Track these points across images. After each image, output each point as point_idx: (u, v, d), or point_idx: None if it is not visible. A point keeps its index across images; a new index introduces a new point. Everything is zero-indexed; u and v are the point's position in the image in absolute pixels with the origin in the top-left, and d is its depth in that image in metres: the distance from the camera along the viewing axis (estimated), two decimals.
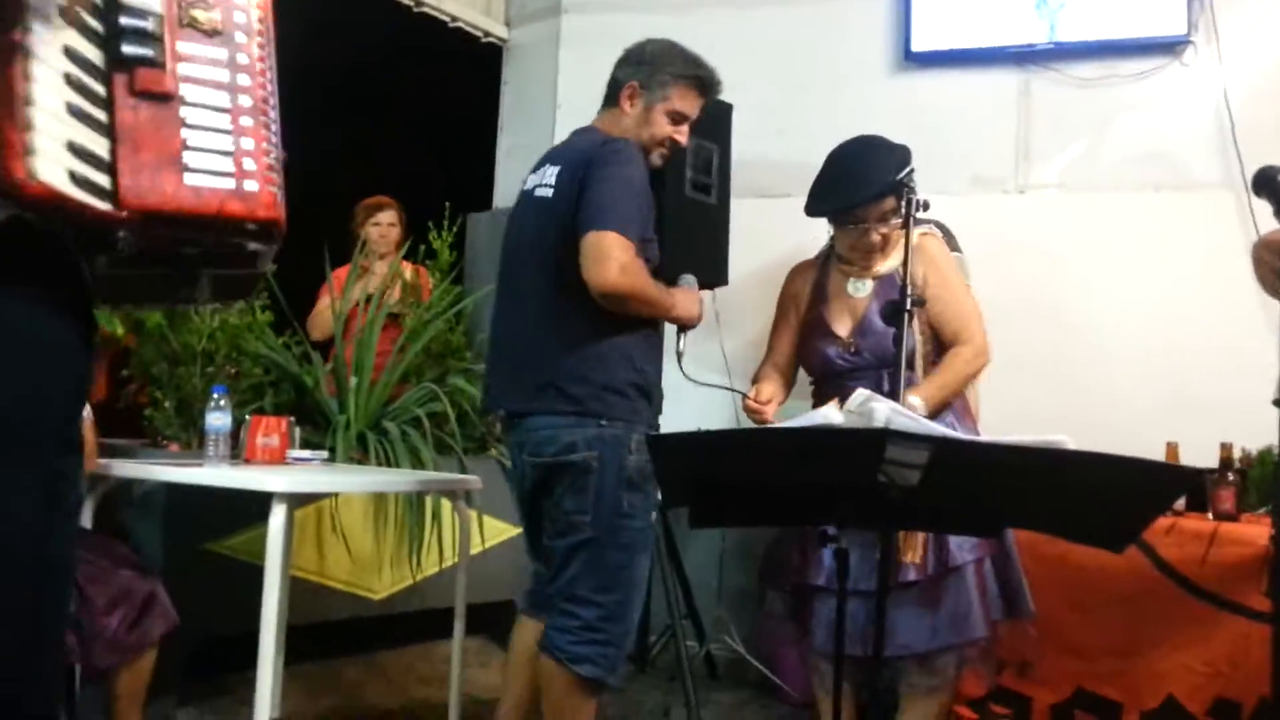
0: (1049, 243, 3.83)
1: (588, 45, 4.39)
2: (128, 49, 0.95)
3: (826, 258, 2.66)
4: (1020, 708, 2.58)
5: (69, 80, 0.91)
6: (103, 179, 0.93)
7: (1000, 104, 4.01)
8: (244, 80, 1.01)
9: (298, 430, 2.92)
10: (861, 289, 2.56)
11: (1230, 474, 2.68)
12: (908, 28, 4.07)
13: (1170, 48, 3.76)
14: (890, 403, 1.48)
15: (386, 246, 4.13)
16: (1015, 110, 4.00)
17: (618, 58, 2.46)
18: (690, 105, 2.38)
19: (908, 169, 2.44)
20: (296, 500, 2.48)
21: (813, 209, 2.60)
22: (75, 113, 0.91)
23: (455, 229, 4.06)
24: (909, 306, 2.20)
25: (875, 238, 2.50)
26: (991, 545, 2.34)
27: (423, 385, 3.54)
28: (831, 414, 1.47)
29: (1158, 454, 2.82)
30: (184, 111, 0.98)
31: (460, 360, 3.83)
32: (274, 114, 1.06)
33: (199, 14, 0.98)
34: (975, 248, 3.43)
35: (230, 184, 0.99)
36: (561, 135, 2.81)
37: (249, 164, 1.00)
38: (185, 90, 0.98)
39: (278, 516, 2.32)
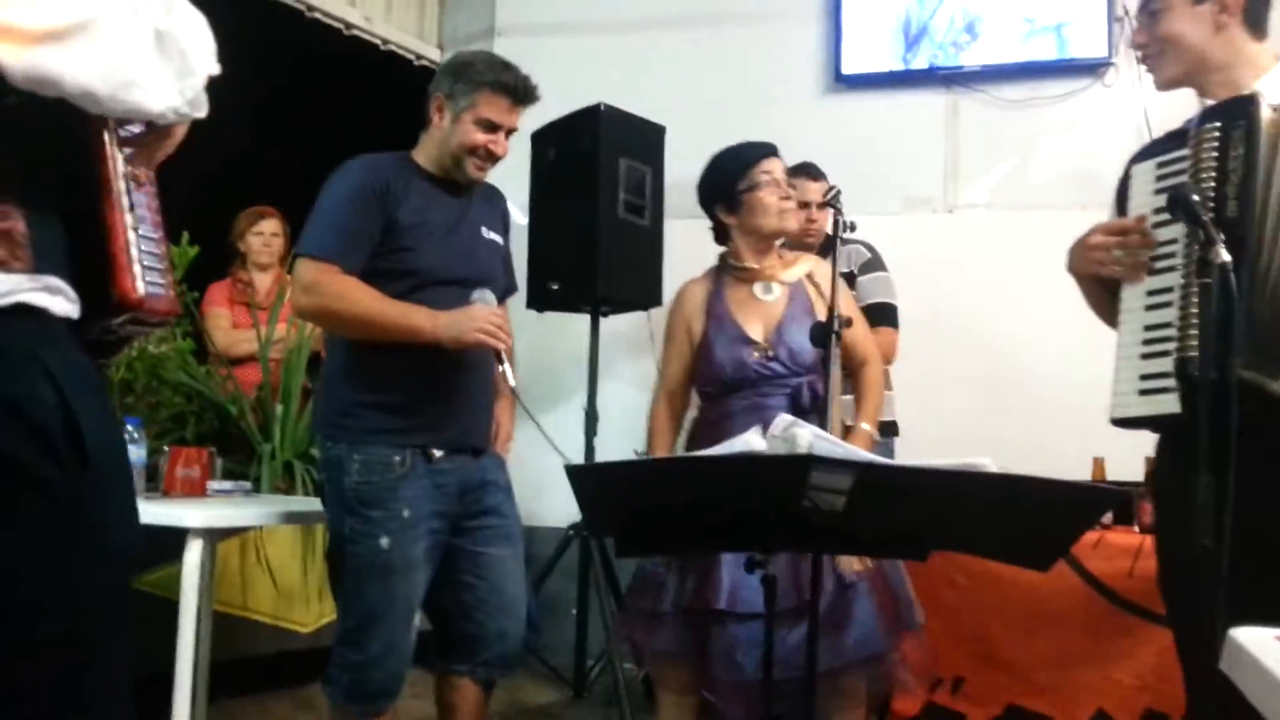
0: (978, 261, 3.89)
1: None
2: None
3: (718, 272, 2.57)
4: None
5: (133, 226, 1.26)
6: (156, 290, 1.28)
7: (929, 125, 4.08)
8: (156, 214, 1.32)
9: (220, 461, 2.85)
10: (771, 293, 2.49)
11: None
12: (838, 50, 4.12)
13: (1093, 69, 3.86)
14: (812, 428, 1.46)
15: (270, 257, 4.01)
16: (944, 131, 4.06)
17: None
18: (499, 112, 2.31)
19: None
20: (216, 535, 2.40)
21: (709, 189, 2.56)
22: (138, 247, 1.26)
23: None
24: (837, 328, 2.19)
25: (789, 190, 2.47)
26: (879, 561, 2.33)
27: None
28: (754, 440, 1.45)
29: (1086, 469, 2.85)
30: (145, 245, 1.28)
31: None
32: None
33: (138, 172, 1.30)
34: (905, 267, 3.46)
35: (169, 290, 1.31)
36: None
37: (166, 274, 1.33)
38: (143, 226, 1.29)
39: (194, 552, 2.25)
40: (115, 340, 1.34)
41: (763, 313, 2.46)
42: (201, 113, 1.25)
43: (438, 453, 2.29)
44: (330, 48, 4.36)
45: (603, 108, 3.61)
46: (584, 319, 3.85)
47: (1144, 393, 1.66)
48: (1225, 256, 1.46)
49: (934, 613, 2.64)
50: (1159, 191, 1.71)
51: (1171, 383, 1.61)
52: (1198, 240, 1.54)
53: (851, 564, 2.27)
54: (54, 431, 1.13)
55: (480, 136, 2.31)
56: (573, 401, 3.94)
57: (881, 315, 3.24)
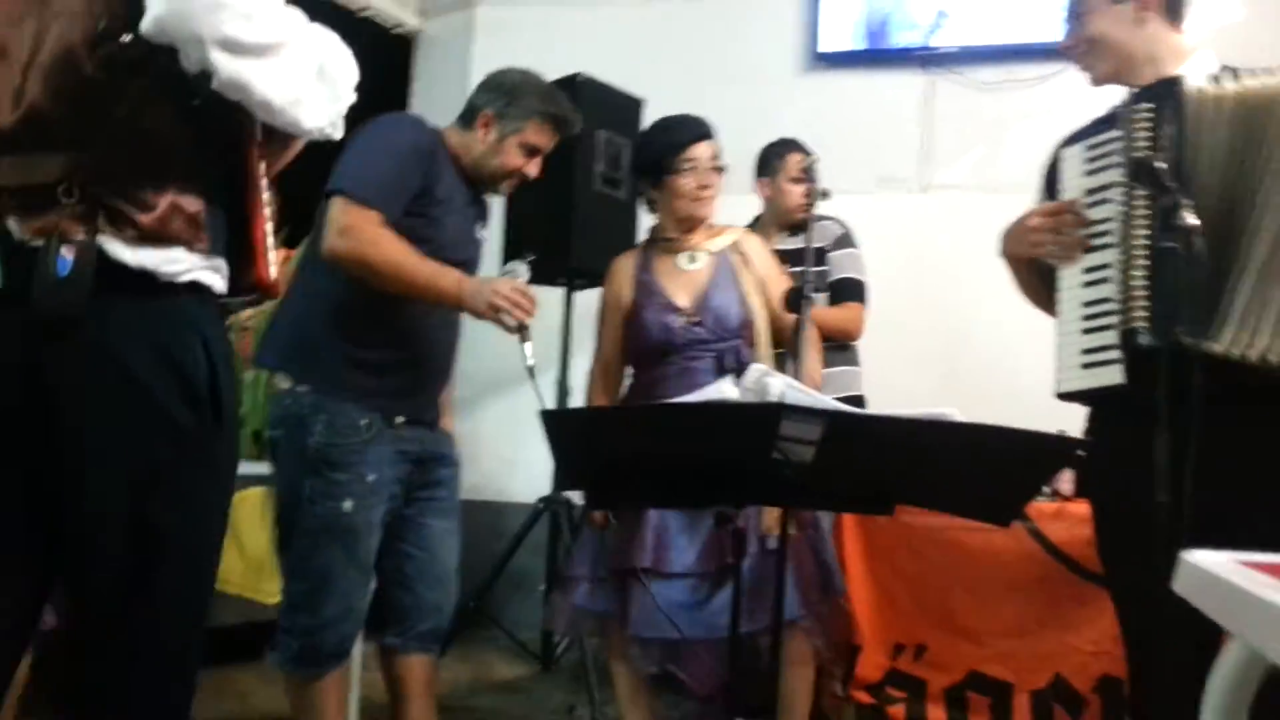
0: (950, 242, 3.92)
1: (502, 38, 4.37)
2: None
3: (647, 245, 2.62)
4: (916, 690, 2.63)
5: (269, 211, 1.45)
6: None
7: (905, 105, 4.11)
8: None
9: None
10: (695, 262, 2.52)
11: None
12: (815, 28, 4.14)
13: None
14: (785, 377, 1.49)
15: None
16: (919, 112, 4.10)
17: (480, 81, 2.42)
18: (544, 140, 2.37)
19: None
20: None
21: (639, 162, 2.61)
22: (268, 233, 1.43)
23: None
24: (808, 293, 2.22)
25: (708, 179, 2.48)
26: (806, 526, 2.37)
27: None
28: (726, 389, 1.47)
29: None
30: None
31: None
32: None
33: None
34: (878, 246, 3.49)
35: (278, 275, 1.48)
36: None
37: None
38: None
39: None
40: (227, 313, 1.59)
41: (688, 281, 2.50)
42: (338, 135, 1.46)
43: (399, 420, 2.29)
44: (305, 10, 4.31)
45: (580, 78, 3.61)
46: (558, 292, 3.86)
47: (1086, 366, 1.71)
48: (1194, 220, 1.51)
49: (897, 580, 2.70)
50: (1090, 173, 1.77)
51: (1114, 355, 1.67)
52: (1163, 206, 1.58)
53: (773, 529, 2.31)
54: (202, 393, 1.33)
55: (520, 160, 2.34)
56: (544, 376, 3.94)
57: (850, 291, 3.28)
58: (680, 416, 1.51)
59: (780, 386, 1.45)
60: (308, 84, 1.37)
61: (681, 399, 1.57)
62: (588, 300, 4.08)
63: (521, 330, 2.22)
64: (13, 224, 1.26)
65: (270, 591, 3.14)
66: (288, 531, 2.23)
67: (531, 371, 2.25)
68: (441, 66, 4.62)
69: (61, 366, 1.28)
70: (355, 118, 2.38)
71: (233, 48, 1.27)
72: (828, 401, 1.53)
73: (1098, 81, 1.91)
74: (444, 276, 2.18)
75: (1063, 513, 2.59)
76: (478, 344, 3.17)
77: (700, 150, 2.49)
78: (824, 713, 2.71)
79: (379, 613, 2.38)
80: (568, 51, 3.93)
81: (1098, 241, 1.74)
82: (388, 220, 2.14)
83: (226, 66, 1.28)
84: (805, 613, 2.31)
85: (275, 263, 1.44)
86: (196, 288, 1.34)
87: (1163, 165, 1.58)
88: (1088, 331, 1.72)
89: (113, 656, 1.36)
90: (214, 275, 1.37)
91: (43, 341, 1.27)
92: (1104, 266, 1.72)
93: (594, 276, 3.87)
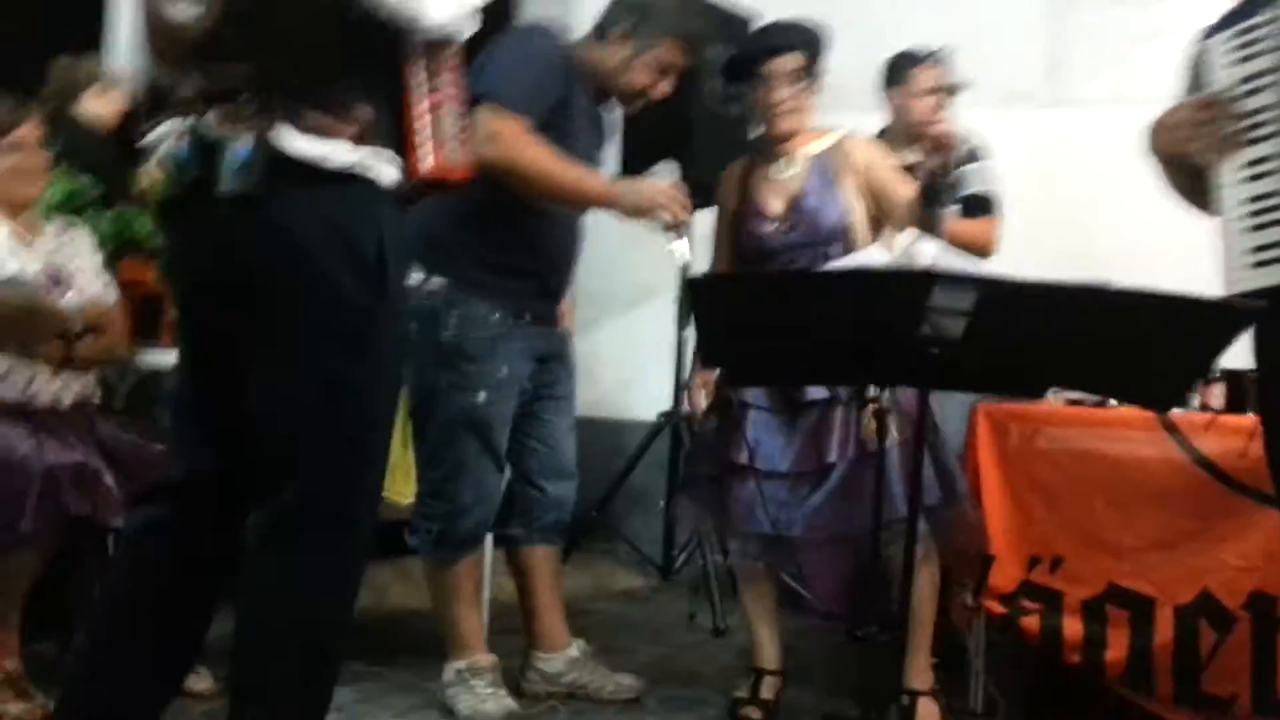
0: (1081, 159, 3.76)
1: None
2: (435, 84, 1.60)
3: (755, 153, 2.61)
4: (1051, 602, 2.55)
5: (423, 108, 1.56)
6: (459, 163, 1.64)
7: (1033, 16, 3.93)
8: (457, 86, 1.62)
9: None
10: (790, 169, 2.49)
11: None
12: None
13: None
14: (937, 244, 1.44)
15: None
16: (1049, 24, 3.92)
17: None
18: (677, 58, 2.35)
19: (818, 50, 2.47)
20: None
21: (725, 68, 2.59)
22: (422, 129, 1.55)
23: None
24: (940, 187, 2.16)
25: (779, 95, 2.43)
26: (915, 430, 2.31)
27: None
28: (876, 254, 1.43)
29: None
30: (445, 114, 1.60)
31: None
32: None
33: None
34: (1006, 162, 3.35)
35: (461, 157, 1.62)
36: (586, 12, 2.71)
37: (467, 141, 1.65)
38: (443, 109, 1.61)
39: None
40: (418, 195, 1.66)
41: (782, 187, 2.48)
42: (466, 32, 1.54)
43: (529, 316, 2.32)
44: None
45: None
46: None
47: (1259, 264, 1.62)
48: None
49: (1033, 491, 2.61)
50: (1242, 60, 1.67)
51: None
52: None
53: (873, 433, 2.26)
54: (370, 266, 1.47)
55: (653, 79, 2.34)
56: (664, 296, 3.94)
57: (983, 205, 3.20)
58: (828, 283, 1.48)
59: (932, 253, 1.41)
60: None
61: (830, 266, 1.53)
62: (705, 219, 4.06)
63: (677, 228, 2.24)
64: (206, 123, 1.45)
65: (404, 492, 3.23)
66: (424, 423, 2.31)
67: (687, 268, 2.27)
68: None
69: (244, 241, 1.47)
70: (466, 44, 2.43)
71: None
72: (981, 270, 1.47)
73: None
74: (591, 179, 2.23)
75: (1215, 425, 2.47)
76: (597, 262, 3.19)
77: (777, 65, 2.43)
78: (954, 624, 2.66)
79: (504, 506, 2.44)
80: None
81: (1258, 133, 1.64)
82: (531, 125, 2.16)
83: None
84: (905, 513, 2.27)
85: (437, 156, 1.55)
86: (365, 175, 1.47)
87: None
88: (1258, 228, 1.63)
89: (275, 509, 1.48)
90: (382, 165, 1.50)
91: (229, 220, 1.46)
92: (1268, 159, 1.63)
93: (710, 194, 3.82)
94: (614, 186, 2.24)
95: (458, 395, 2.26)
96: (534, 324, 2.36)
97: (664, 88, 2.38)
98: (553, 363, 2.46)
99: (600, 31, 2.38)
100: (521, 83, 2.18)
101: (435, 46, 1.55)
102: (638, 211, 2.22)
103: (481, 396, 2.27)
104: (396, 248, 1.52)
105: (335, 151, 1.46)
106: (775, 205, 2.48)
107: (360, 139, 1.47)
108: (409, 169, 1.54)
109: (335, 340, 1.47)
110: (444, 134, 1.57)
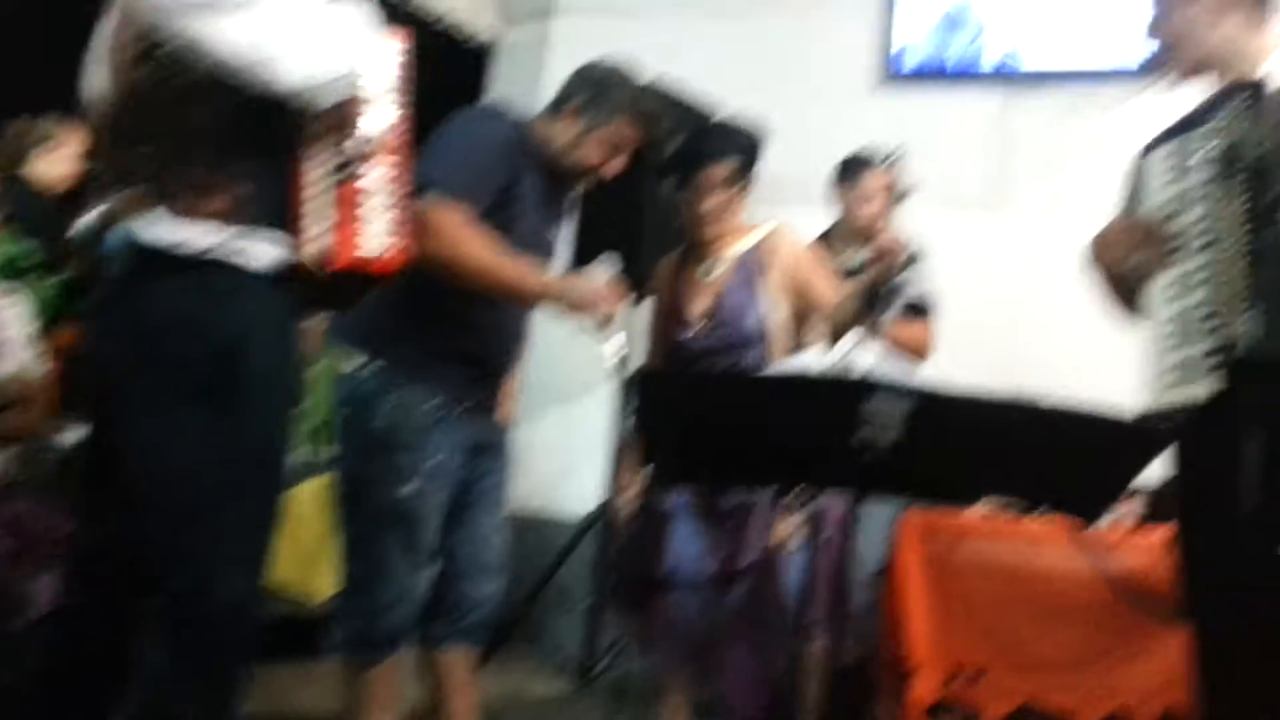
0: (1020, 264, 3.87)
1: (577, 50, 4.38)
2: (344, 172, 1.60)
3: (683, 250, 2.62)
4: (970, 716, 2.56)
5: (324, 194, 1.57)
6: (332, 249, 1.59)
7: (977, 126, 4.07)
8: (395, 181, 1.66)
9: None
10: (714, 272, 2.51)
11: None
12: (889, 45, 4.15)
13: (1143, 79, 3.85)
14: (874, 352, 1.47)
15: None
16: (992, 133, 4.06)
17: (573, 71, 2.41)
18: (628, 138, 2.33)
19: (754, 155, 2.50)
20: None
21: (663, 166, 2.65)
22: (326, 212, 1.56)
23: None
24: (884, 293, 2.21)
25: (706, 205, 2.47)
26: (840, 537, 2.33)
27: None
28: (815, 362, 1.45)
29: None
30: (369, 206, 1.62)
31: None
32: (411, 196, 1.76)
33: (374, 146, 1.62)
34: (947, 265, 3.45)
35: (387, 248, 1.64)
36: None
37: (395, 234, 1.65)
38: (369, 192, 1.62)
39: None
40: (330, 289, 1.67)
41: (705, 290, 2.50)
42: (327, 100, 1.51)
43: (465, 406, 2.27)
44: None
45: (655, 83, 3.62)
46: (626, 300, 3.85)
47: (1180, 377, 1.66)
48: None
49: (957, 600, 2.64)
50: (1176, 178, 1.74)
51: (1210, 362, 1.62)
52: (1267, 201, 1.54)
53: (783, 537, 2.30)
54: (225, 351, 1.48)
55: (603, 156, 2.31)
56: (603, 391, 3.92)
57: (920, 308, 3.25)
58: (765, 385, 1.50)
59: (870, 359, 1.43)
60: (284, 43, 1.43)
61: (768, 371, 1.55)
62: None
63: (607, 325, 2.21)
64: (112, 207, 1.52)
65: (320, 589, 3.09)
66: (348, 512, 2.21)
67: (618, 367, 2.23)
68: (516, 77, 4.67)
69: (113, 325, 1.52)
70: (430, 124, 2.41)
71: (185, 10, 1.39)
72: (917, 378, 1.50)
73: (1181, 76, 1.87)
74: (530, 275, 2.18)
75: (1129, 543, 2.53)
76: (538, 352, 3.16)
77: (709, 174, 2.46)
78: None
79: (424, 604, 2.35)
80: (644, 66, 3.96)
81: (1190, 247, 1.69)
82: (473, 216, 2.14)
83: (185, 27, 1.39)
84: (820, 619, 2.29)
85: (348, 241, 1.56)
86: (229, 259, 1.49)
87: (1263, 155, 1.54)
88: (1181, 341, 1.67)
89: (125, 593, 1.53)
90: (256, 246, 1.51)
91: (107, 303, 1.53)
92: (1198, 271, 1.67)
93: None
94: (552, 283, 2.20)
95: (386, 485, 2.16)
96: (471, 413, 2.30)
97: (615, 166, 2.36)
98: (487, 454, 2.37)
99: (555, 107, 2.38)
100: (464, 172, 2.15)
101: (328, 123, 1.55)
102: (573, 309, 2.19)
103: (409, 488, 2.17)
104: (267, 329, 1.53)
105: (196, 236, 1.47)
106: (698, 307, 2.50)
107: (230, 219, 1.49)
108: (297, 252, 1.55)
109: (183, 425, 1.48)
110: (362, 220, 1.58)
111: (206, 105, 1.46)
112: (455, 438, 2.25)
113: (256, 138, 1.50)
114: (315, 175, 1.55)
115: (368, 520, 2.18)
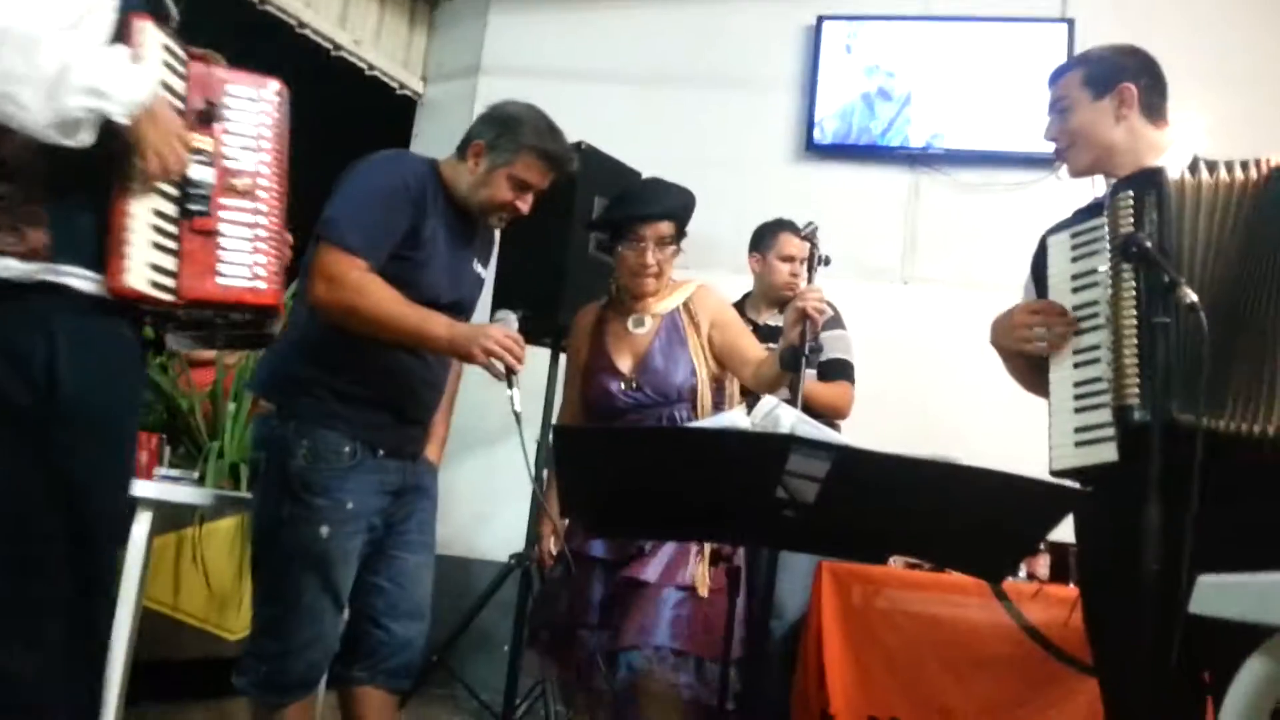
0: (930, 334, 4.01)
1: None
2: (191, 206, 1.64)
3: (607, 303, 2.65)
4: None
5: (153, 226, 1.58)
6: (169, 281, 1.60)
7: (891, 200, 4.25)
8: (261, 220, 1.69)
9: (167, 450, 2.79)
10: (642, 326, 2.55)
11: None
12: (811, 120, 4.30)
13: (1047, 163, 4.06)
14: (796, 411, 1.51)
15: None
16: (904, 207, 4.24)
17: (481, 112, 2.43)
18: (535, 176, 2.33)
19: (689, 214, 2.57)
20: (165, 509, 2.35)
21: (598, 220, 2.68)
22: (154, 244, 1.59)
23: None
24: (806, 353, 2.26)
25: (650, 259, 2.50)
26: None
27: None
28: (738, 419, 1.49)
29: None
30: (222, 241, 1.65)
31: None
32: (282, 236, 1.75)
33: (235, 183, 1.67)
34: (860, 333, 3.55)
35: (247, 284, 1.66)
36: None
37: (260, 271, 1.68)
38: (223, 228, 1.66)
39: (141, 525, 2.20)
40: (195, 322, 1.74)
41: (632, 345, 2.53)
42: (84, 139, 1.47)
43: (382, 451, 2.26)
44: (315, 64, 4.40)
45: (582, 146, 3.69)
46: (544, 352, 3.87)
47: (1080, 444, 1.76)
48: (1193, 296, 1.57)
49: (874, 650, 2.68)
50: (1076, 259, 1.86)
51: (1108, 432, 1.71)
52: (1159, 283, 1.64)
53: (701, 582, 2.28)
54: (37, 378, 1.48)
55: (510, 195, 2.31)
56: (528, 435, 3.91)
57: (839, 370, 3.34)
58: (689, 441, 1.52)
59: (791, 419, 1.48)
60: (21, 82, 1.42)
61: (693, 424, 1.58)
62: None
63: (510, 376, 2.21)
64: None
65: (233, 628, 3.05)
66: (262, 554, 2.19)
67: (518, 418, 2.23)
68: (442, 130, 4.69)
69: None
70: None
71: None
72: (838, 436, 1.55)
73: (1077, 173, 2.00)
74: (431, 322, 2.17)
75: (1041, 594, 2.61)
76: (462, 396, 3.16)
77: (654, 229, 2.50)
78: None
79: (347, 646, 2.32)
80: (570, 127, 4.00)
81: (1087, 324, 1.81)
82: (373, 266, 2.15)
83: None
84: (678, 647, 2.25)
85: (199, 278, 1.60)
86: (46, 288, 1.50)
87: (1152, 243, 1.65)
88: (1080, 410, 1.76)
89: None
90: (66, 279, 1.52)
91: None
92: (1094, 347, 1.79)
93: None
94: (454, 330, 2.20)
95: (300, 528, 2.14)
96: (389, 457, 2.29)
97: (521, 206, 2.37)
98: (410, 497, 2.36)
99: (463, 146, 2.40)
100: (363, 221, 2.16)
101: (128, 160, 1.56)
102: (472, 357, 2.20)
103: (324, 530, 2.15)
104: (83, 357, 1.53)
105: (8, 268, 1.49)
106: (625, 362, 2.52)
107: (41, 253, 1.50)
108: (114, 279, 1.54)
109: None
110: (218, 255, 1.62)
111: (13, 139, 1.47)
112: (372, 482, 2.23)
113: (64, 170, 1.50)
114: (137, 208, 1.55)
115: (282, 562, 2.16)
